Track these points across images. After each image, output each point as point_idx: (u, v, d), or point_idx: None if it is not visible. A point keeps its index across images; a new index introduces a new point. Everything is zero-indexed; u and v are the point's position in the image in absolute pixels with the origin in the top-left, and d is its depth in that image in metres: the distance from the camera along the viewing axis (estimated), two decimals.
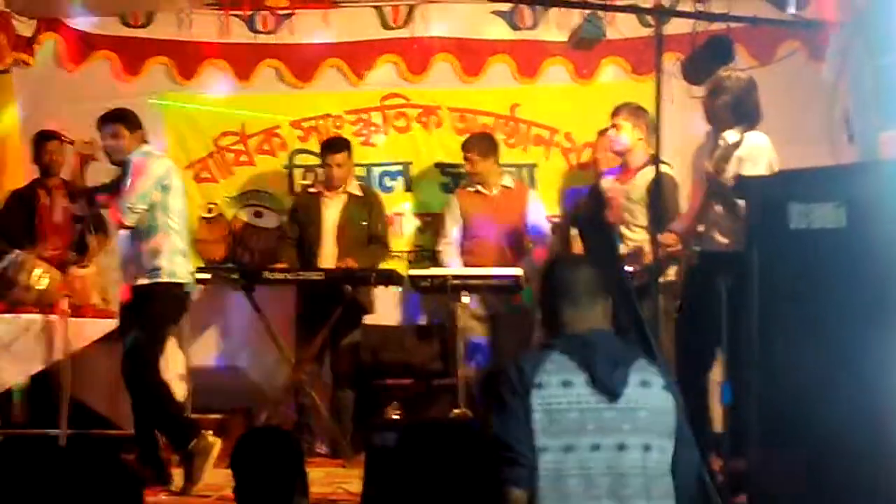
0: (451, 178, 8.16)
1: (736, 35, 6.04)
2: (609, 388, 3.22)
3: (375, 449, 4.67)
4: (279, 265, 7.53)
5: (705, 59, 5.77)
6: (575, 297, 3.41)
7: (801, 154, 5.74)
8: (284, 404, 7.60)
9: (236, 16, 8.21)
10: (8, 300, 6.91)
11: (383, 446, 4.59)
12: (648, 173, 6.10)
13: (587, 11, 5.81)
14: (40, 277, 6.91)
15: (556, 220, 7.92)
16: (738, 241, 5.41)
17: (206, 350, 8.11)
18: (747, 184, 5.11)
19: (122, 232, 6.38)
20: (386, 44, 8.20)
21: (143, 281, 6.28)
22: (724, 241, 5.77)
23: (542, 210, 7.76)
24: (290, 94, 8.31)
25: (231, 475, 3.65)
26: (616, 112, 6.69)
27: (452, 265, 7.54)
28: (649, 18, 6.87)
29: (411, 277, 7.40)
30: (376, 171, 8.25)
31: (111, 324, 6.64)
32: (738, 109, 5.85)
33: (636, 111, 6.61)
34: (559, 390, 3.21)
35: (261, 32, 8.27)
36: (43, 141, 7.62)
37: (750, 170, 5.60)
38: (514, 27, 8.15)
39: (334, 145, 7.72)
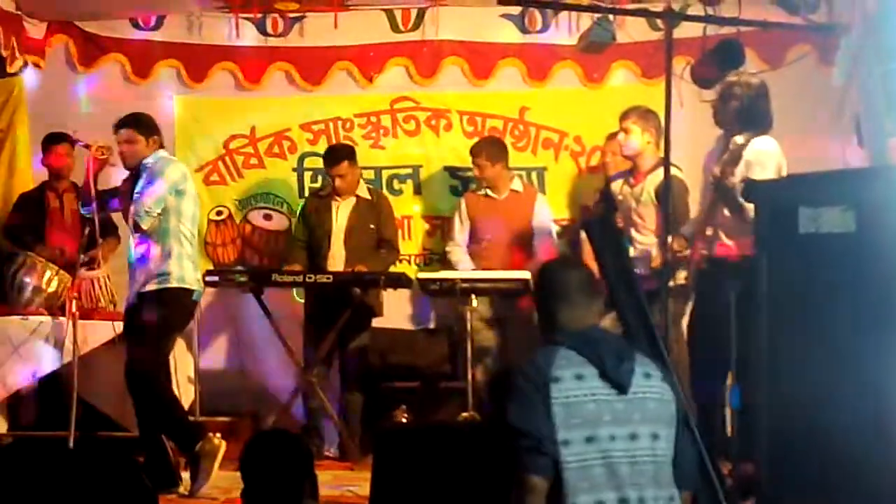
0: (460, 181, 8.16)
1: (746, 39, 6.03)
2: (619, 381, 3.31)
3: (384, 452, 4.67)
4: (288, 268, 7.54)
5: (715, 63, 5.76)
6: (570, 298, 3.50)
7: (810, 158, 5.74)
8: (293, 407, 7.59)
9: (246, 19, 8.22)
10: (17, 302, 6.92)
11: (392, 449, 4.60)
12: (658, 177, 6.09)
13: (597, 15, 5.81)
14: (49, 280, 6.93)
15: (565, 223, 7.93)
16: (746, 245, 5.41)
17: (215, 353, 8.11)
18: (756, 188, 5.10)
19: (133, 235, 6.38)
20: (396, 47, 8.21)
21: (151, 286, 6.25)
22: (731, 245, 5.77)
23: (549, 213, 7.76)
24: (300, 97, 8.31)
25: (238, 477, 3.66)
26: (625, 115, 6.69)
27: (462, 268, 7.54)
28: (659, 22, 6.89)
29: (420, 280, 7.41)
30: (386, 174, 8.25)
31: (120, 326, 6.65)
32: (748, 115, 5.85)
33: (646, 115, 6.61)
34: (574, 383, 3.29)
35: (271, 35, 8.28)
36: (52, 144, 7.63)
37: (759, 174, 5.60)
38: (524, 31, 8.15)
39: (334, 157, 7.67)
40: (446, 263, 7.80)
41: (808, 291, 4.45)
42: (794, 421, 4.43)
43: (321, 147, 8.11)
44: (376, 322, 7.72)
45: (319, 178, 8.14)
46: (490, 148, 7.67)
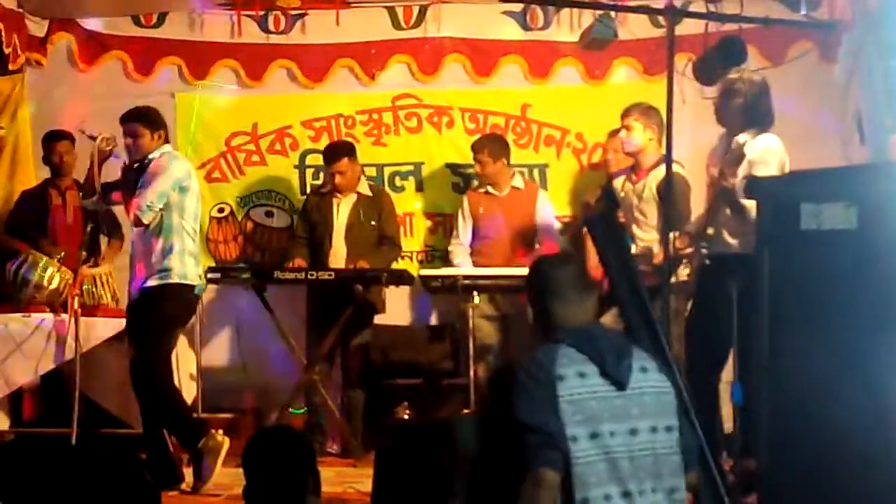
0: (462, 178, 8.16)
1: (748, 36, 6.04)
2: (618, 378, 3.35)
3: (385, 448, 4.68)
4: (290, 265, 7.54)
5: (717, 60, 5.75)
6: (563, 294, 3.53)
7: (812, 155, 5.73)
8: (295, 404, 7.60)
9: (248, 16, 8.22)
10: (20, 299, 6.93)
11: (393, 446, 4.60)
12: (660, 174, 6.09)
13: (599, 12, 5.80)
14: (52, 277, 6.93)
15: (567, 220, 7.93)
16: (747, 243, 5.40)
17: (217, 350, 8.11)
18: (758, 184, 5.09)
19: (135, 230, 6.38)
20: (397, 44, 8.21)
21: (152, 282, 6.26)
22: (733, 242, 5.77)
23: (551, 209, 7.76)
24: (302, 94, 8.32)
25: (240, 474, 3.66)
26: (627, 112, 6.67)
27: (463, 265, 7.55)
28: (661, 19, 6.86)
29: (422, 277, 7.41)
30: (387, 171, 8.26)
31: (122, 323, 6.65)
32: (750, 113, 5.84)
33: (647, 111, 6.59)
34: (577, 381, 3.32)
35: (273, 33, 8.29)
36: (54, 141, 7.64)
37: (762, 172, 5.58)
38: (526, 28, 8.15)
39: (333, 154, 7.68)
40: (448, 260, 7.80)
41: (810, 288, 4.44)
42: (796, 417, 4.43)
43: (323, 144, 8.11)
44: (378, 319, 7.73)
45: (321, 175, 8.14)
46: (492, 145, 7.67)
